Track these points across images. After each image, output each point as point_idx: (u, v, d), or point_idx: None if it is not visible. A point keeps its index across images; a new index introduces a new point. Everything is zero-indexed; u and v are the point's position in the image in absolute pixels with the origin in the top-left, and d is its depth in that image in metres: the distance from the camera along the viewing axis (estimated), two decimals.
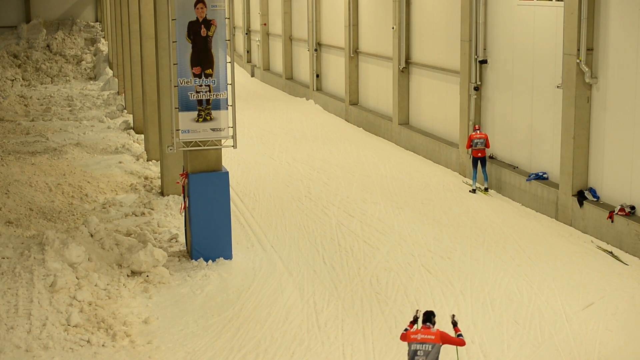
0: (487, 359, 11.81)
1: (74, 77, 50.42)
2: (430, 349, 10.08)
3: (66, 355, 11.86)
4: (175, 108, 15.66)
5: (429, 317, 10.31)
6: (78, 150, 26.59)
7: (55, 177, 22.27)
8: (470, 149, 20.89)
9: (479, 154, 20.70)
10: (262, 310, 13.62)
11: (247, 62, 51.11)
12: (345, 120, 32.68)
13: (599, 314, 13.24)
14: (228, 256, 16.02)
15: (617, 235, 16.47)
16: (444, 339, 10.14)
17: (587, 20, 17.24)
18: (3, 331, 12.17)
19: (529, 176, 19.75)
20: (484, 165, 20.94)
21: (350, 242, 17.20)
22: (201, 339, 12.59)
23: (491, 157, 21.27)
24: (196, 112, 15.59)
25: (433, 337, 10.18)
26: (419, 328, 10.30)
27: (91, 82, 49.26)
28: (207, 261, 15.79)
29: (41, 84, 48.51)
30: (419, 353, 10.03)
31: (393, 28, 27.34)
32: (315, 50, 36.87)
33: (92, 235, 16.12)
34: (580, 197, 17.73)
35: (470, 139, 20.84)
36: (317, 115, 34.35)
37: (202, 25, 15.33)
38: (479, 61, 22.06)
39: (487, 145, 20.78)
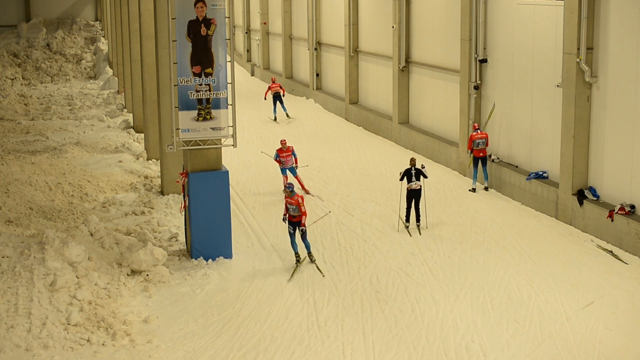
0: (487, 357, 11.81)
1: (73, 76, 50.43)
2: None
3: (66, 354, 11.87)
4: (175, 107, 15.66)
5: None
6: (78, 149, 26.59)
7: (55, 176, 22.27)
8: (471, 150, 20.85)
9: (480, 154, 20.69)
10: (262, 310, 13.62)
11: (247, 61, 51.09)
12: (345, 119, 32.67)
13: (599, 313, 13.24)
14: (228, 255, 16.02)
15: (617, 234, 16.47)
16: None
17: (587, 19, 17.23)
18: (3, 330, 12.17)
19: (529, 175, 19.74)
20: (484, 164, 20.92)
21: (350, 241, 17.19)
22: (201, 338, 12.59)
23: (493, 161, 21.23)
24: (196, 111, 15.59)
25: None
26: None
27: (91, 81, 49.27)
28: (207, 260, 15.79)
29: (41, 83, 48.52)
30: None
31: (393, 27, 27.33)
32: (315, 49, 36.85)
33: (92, 235, 16.12)
34: (580, 196, 17.73)
35: (472, 139, 20.78)
36: (317, 114, 34.33)
37: (202, 24, 15.33)
38: (479, 60, 22.05)
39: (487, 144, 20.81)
